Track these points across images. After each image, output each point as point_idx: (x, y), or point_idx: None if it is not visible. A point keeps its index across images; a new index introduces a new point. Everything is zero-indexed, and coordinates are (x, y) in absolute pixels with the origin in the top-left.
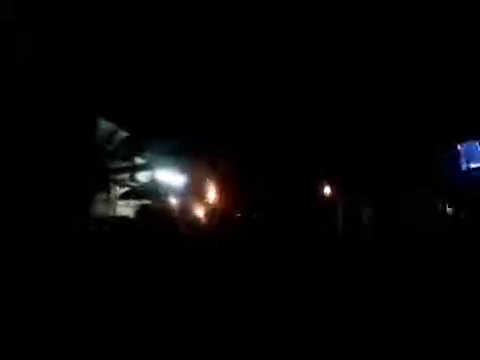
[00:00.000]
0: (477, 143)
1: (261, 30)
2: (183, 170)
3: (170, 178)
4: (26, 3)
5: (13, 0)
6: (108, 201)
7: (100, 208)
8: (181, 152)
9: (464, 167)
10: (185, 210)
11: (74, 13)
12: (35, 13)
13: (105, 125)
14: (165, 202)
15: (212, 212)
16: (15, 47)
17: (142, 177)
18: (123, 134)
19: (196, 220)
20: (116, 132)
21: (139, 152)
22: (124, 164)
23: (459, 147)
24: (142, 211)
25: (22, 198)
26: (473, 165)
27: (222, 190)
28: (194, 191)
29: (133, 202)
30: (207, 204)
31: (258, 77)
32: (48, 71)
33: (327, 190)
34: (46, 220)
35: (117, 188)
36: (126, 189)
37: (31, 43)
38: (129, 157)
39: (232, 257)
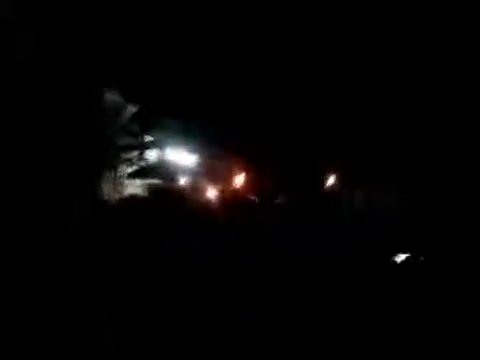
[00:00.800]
0: None
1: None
2: (194, 149)
3: (180, 157)
4: (26, 3)
5: (13, 0)
6: (115, 181)
7: (106, 189)
8: (192, 131)
9: None
10: (196, 191)
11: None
12: (35, 13)
13: (111, 98)
14: (175, 182)
15: (224, 195)
16: (15, 47)
17: (151, 156)
18: (131, 109)
19: (207, 202)
20: (123, 106)
21: (148, 129)
22: (132, 141)
23: None
24: (152, 192)
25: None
26: None
27: (236, 172)
28: (205, 172)
29: (141, 182)
30: (219, 186)
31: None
32: (48, 71)
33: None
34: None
35: (124, 167)
36: (134, 168)
37: (31, 43)
38: (137, 134)
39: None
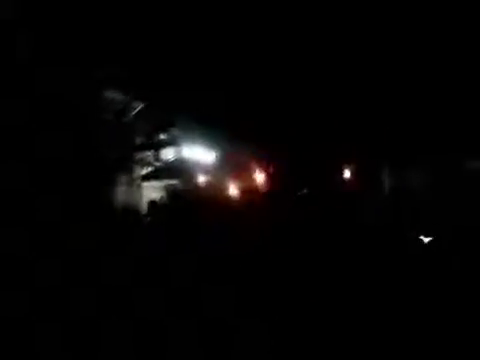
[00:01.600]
0: None
1: None
2: (213, 146)
3: (199, 155)
4: (26, 3)
5: (13, 0)
6: (131, 183)
7: (123, 192)
8: (210, 126)
9: None
10: (217, 191)
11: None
12: (35, 13)
13: (116, 96)
14: (194, 182)
15: (252, 193)
16: (15, 47)
17: (167, 155)
18: (138, 106)
19: (230, 202)
20: (130, 104)
21: (160, 127)
22: (145, 141)
23: None
24: (172, 195)
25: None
26: None
27: (264, 168)
28: (227, 169)
29: (158, 183)
30: (243, 184)
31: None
32: (48, 71)
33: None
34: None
35: (140, 168)
36: (150, 169)
37: (31, 43)
38: (150, 133)
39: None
